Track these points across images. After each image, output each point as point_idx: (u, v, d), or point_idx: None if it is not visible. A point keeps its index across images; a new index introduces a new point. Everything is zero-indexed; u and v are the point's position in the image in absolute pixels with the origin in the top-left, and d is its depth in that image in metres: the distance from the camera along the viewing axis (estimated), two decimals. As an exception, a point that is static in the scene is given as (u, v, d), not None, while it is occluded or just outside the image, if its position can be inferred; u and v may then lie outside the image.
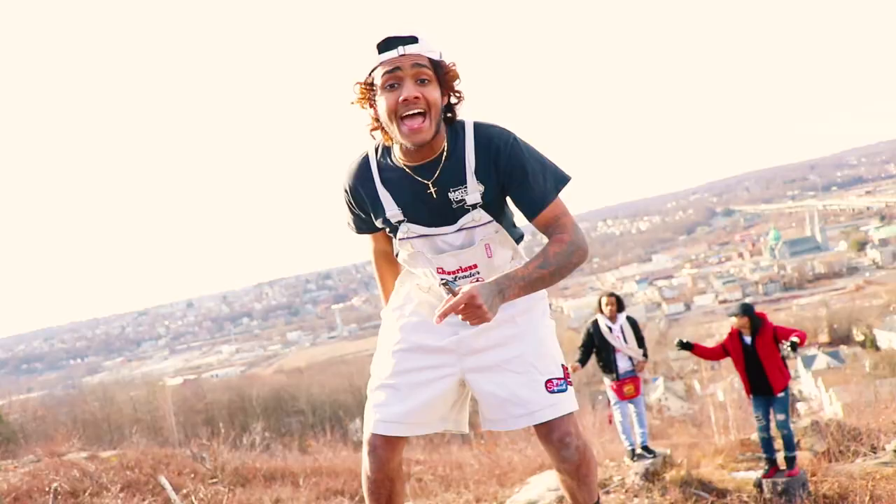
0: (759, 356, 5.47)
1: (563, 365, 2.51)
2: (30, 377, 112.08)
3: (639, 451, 6.44)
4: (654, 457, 6.28)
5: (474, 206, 2.35)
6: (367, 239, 2.71)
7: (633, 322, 6.62)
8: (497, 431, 7.35)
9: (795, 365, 48.78)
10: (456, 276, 2.43)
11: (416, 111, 2.21)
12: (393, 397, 2.42)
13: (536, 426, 2.43)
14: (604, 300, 6.57)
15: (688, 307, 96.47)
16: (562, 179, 2.41)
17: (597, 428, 11.60)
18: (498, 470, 7.02)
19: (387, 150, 2.42)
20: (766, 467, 5.52)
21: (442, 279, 2.31)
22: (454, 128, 2.37)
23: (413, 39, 2.22)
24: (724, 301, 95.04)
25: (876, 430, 7.32)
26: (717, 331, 70.51)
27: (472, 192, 2.33)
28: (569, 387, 2.48)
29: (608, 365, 6.47)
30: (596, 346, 6.51)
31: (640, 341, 6.60)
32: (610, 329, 6.44)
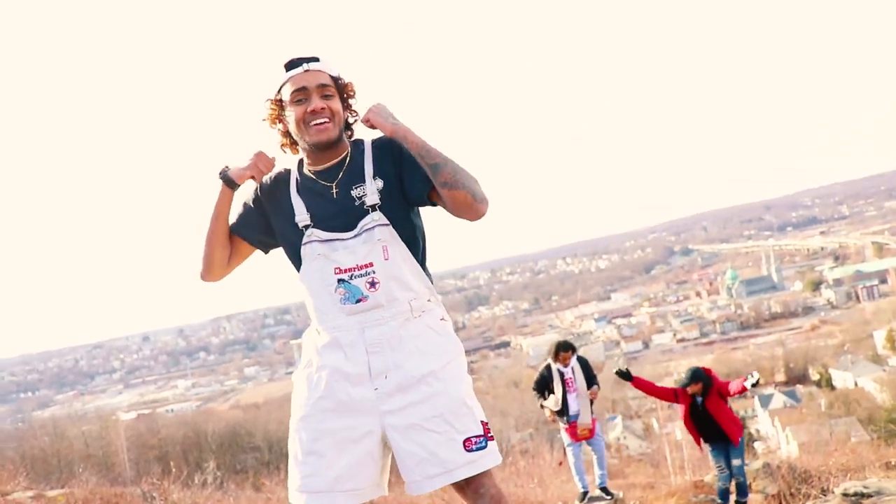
0: (710, 413, 5.59)
1: (482, 421, 2.48)
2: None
3: (597, 492, 6.48)
4: (611, 498, 6.31)
5: (374, 208, 2.46)
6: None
7: (583, 362, 6.75)
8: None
9: (753, 404, 49.36)
10: (353, 275, 2.43)
11: (322, 120, 2.46)
12: (319, 465, 2.40)
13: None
14: (562, 354, 6.68)
15: (646, 345, 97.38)
16: None
17: (554, 469, 11.59)
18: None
19: (299, 164, 2.62)
20: (718, 511, 5.58)
21: (338, 279, 2.42)
22: (354, 142, 2.62)
23: (315, 59, 2.52)
24: (682, 340, 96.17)
25: (826, 473, 7.43)
26: (675, 369, 70.99)
27: (371, 191, 2.47)
28: (489, 443, 2.45)
29: (560, 407, 6.56)
30: (549, 390, 6.62)
31: (592, 379, 6.74)
32: (562, 374, 6.58)
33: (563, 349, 6.73)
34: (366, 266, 2.43)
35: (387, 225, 2.46)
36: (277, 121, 2.59)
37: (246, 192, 2.66)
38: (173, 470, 7.83)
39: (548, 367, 6.75)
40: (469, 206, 2.39)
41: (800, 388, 54.61)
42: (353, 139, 2.63)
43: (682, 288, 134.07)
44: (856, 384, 49.45)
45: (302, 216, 2.51)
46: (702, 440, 5.82)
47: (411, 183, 2.49)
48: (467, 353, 2.63)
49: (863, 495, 6.11)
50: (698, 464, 10.91)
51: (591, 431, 6.58)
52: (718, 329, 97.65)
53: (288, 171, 2.63)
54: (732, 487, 5.70)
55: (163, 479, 7.72)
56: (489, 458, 2.43)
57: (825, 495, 6.60)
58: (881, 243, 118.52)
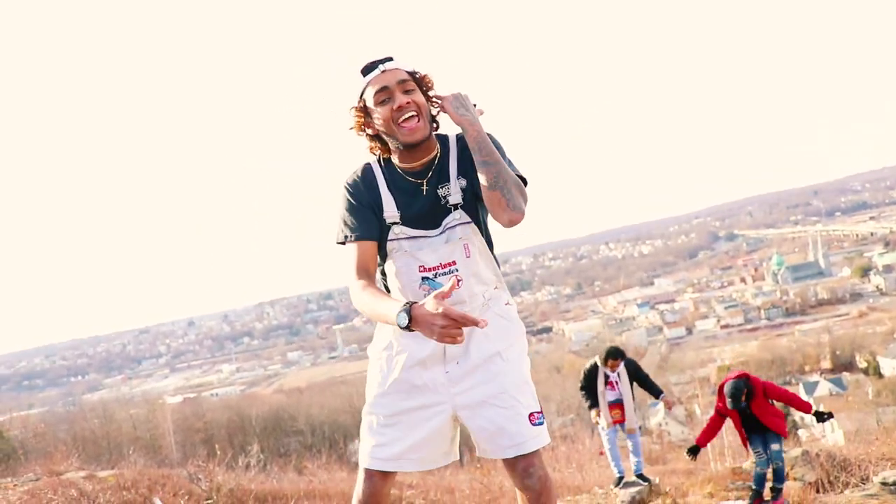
0: (755, 415, 5.60)
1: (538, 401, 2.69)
2: (31, 394, 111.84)
3: (633, 478, 6.52)
4: (647, 484, 6.35)
5: (456, 207, 2.59)
6: (353, 252, 2.59)
7: (633, 367, 6.73)
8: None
9: (798, 391, 48.63)
10: (437, 273, 2.59)
11: (410, 114, 2.49)
12: (393, 437, 2.59)
13: None
14: (610, 361, 6.69)
15: (689, 331, 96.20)
16: (519, 173, 2.57)
17: (593, 455, 11.63)
18: (488, 496, 7.07)
19: (386, 161, 2.67)
20: (752, 497, 5.60)
21: (423, 277, 2.58)
22: (441, 138, 2.68)
23: (389, 59, 2.57)
24: (726, 326, 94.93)
25: (867, 461, 7.36)
26: (719, 356, 70.37)
27: (455, 190, 2.60)
28: (545, 420, 2.65)
29: (597, 397, 6.62)
30: (594, 387, 6.67)
31: (645, 381, 6.75)
32: (608, 376, 6.60)
33: (612, 356, 6.74)
34: (449, 264, 2.60)
35: (468, 223, 2.62)
36: (365, 127, 2.63)
37: (354, 195, 2.64)
38: (218, 453, 8.06)
39: (595, 366, 6.77)
40: (502, 208, 2.43)
41: (846, 376, 53.56)
42: (437, 133, 2.69)
43: (727, 273, 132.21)
44: (905, 372, 48.40)
45: (391, 212, 2.62)
46: (748, 439, 5.83)
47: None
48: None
49: (902, 484, 6.06)
50: (738, 450, 10.85)
51: (623, 416, 6.63)
52: (763, 315, 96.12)
53: (370, 166, 2.69)
54: (770, 474, 5.71)
55: (208, 462, 7.94)
56: (547, 435, 2.63)
57: (864, 484, 6.57)
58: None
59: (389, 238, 2.63)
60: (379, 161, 2.69)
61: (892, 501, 5.65)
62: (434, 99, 2.61)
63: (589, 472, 10.36)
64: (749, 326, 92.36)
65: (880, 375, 51.32)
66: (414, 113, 2.51)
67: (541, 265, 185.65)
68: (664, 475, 10.36)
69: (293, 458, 17.47)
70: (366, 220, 2.62)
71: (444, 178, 2.61)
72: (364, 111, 2.60)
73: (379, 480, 2.59)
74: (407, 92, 2.53)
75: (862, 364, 58.00)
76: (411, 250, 2.60)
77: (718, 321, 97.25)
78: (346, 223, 2.64)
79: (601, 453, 7.22)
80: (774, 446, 5.63)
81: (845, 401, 42.27)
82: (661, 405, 44.70)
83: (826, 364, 61.02)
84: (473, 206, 2.61)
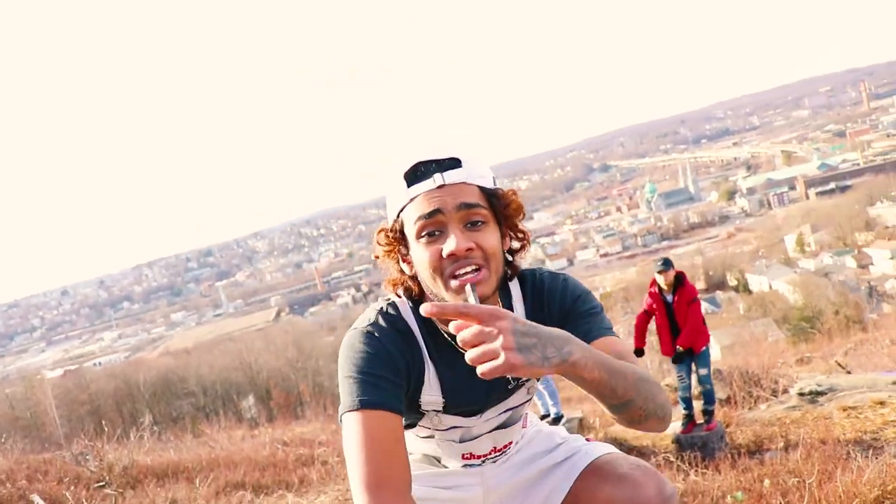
0: (676, 314, 5.45)
1: None
2: None
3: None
4: (577, 420, 6.21)
5: (524, 384, 1.79)
6: (373, 432, 1.52)
7: None
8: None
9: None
10: (484, 460, 1.86)
11: (468, 269, 1.51)
12: None
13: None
14: None
15: (571, 262, 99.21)
16: (610, 325, 1.74)
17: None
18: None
19: (417, 305, 1.67)
20: (685, 422, 5.50)
21: (467, 462, 1.86)
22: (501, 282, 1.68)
23: (455, 163, 1.55)
24: (606, 254, 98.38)
25: (775, 374, 7.50)
26: (601, 284, 72.72)
27: None
28: None
29: None
30: None
31: None
32: None
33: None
34: (505, 447, 1.87)
35: (530, 396, 1.85)
36: (399, 257, 1.64)
37: (385, 360, 1.58)
38: (106, 428, 7.42)
39: None
40: (655, 430, 1.58)
41: (719, 294, 56.62)
42: (513, 277, 1.78)
43: (603, 204, 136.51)
44: (770, 287, 51.32)
45: (434, 398, 1.69)
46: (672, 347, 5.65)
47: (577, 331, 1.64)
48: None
49: (817, 393, 6.17)
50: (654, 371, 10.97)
51: None
52: (640, 242, 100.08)
53: (407, 326, 1.66)
54: (697, 394, 5.65)
55: (96, 439, 7.30)
56: None
57: (777, 396, 6.65)
58: (790, 151, 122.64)
59: (419, 422, 1.76)
60: (412, 308, 1.67)
61: (812, 410, 5.70)
62: (481, 373, 1.27)
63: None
64: (627, 253, 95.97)
65: (749, 291, 54.44)
66: (477, 267, 1.52)
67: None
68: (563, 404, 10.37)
69: (188, 422, 16.78)
70: (394, 389, 1.58)
71: None
72: (399, 237, 1.61)
73: None
74: (472, 225, 1.54)
75: (732, 282, 61.37)
76: (452, 439, 1.80)
77: (598, 250, 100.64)
78: (361, 386, 1.54)
79: None
80: (702, 371, 5.55)
81: (720, 318, 44.62)
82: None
83: (700, 285, 64.08)
84: None
